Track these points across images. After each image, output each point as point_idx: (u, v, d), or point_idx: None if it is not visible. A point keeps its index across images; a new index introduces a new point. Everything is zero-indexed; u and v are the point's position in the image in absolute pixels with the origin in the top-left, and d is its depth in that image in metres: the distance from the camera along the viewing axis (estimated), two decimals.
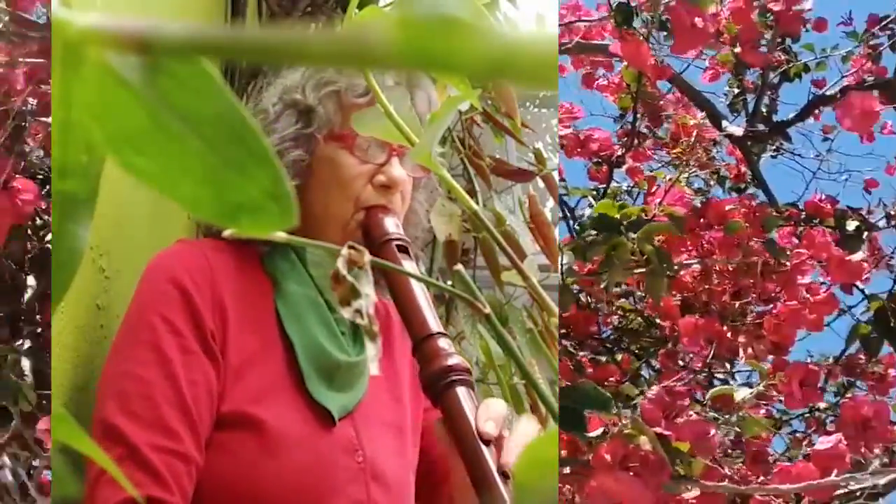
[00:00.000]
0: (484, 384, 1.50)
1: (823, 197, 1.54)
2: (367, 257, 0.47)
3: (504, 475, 0.68)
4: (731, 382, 1.40)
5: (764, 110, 1.65)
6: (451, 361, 0.72)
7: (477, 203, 1.42)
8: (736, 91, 1.72)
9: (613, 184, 1.67)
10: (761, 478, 1.14)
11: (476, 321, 1.40)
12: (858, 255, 1.35)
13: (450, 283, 1.48)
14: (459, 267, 0.52)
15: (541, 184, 1.57)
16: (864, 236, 1.45)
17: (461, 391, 0.71)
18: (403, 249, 0.86)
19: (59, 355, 0.88)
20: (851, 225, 1.49)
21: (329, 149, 0.93)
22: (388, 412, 0.97)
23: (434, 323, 0.74)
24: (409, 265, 0.84)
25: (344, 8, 1.33)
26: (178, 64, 0.22)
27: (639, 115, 1.58)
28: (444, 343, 0.73)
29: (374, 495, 0.89)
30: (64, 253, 0.25)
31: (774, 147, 1.83)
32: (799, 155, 1.88)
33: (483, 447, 0.69)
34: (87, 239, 0.25)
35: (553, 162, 1.59)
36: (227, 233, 0.41)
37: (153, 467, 0.78)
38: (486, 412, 0.70)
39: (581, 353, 1.46)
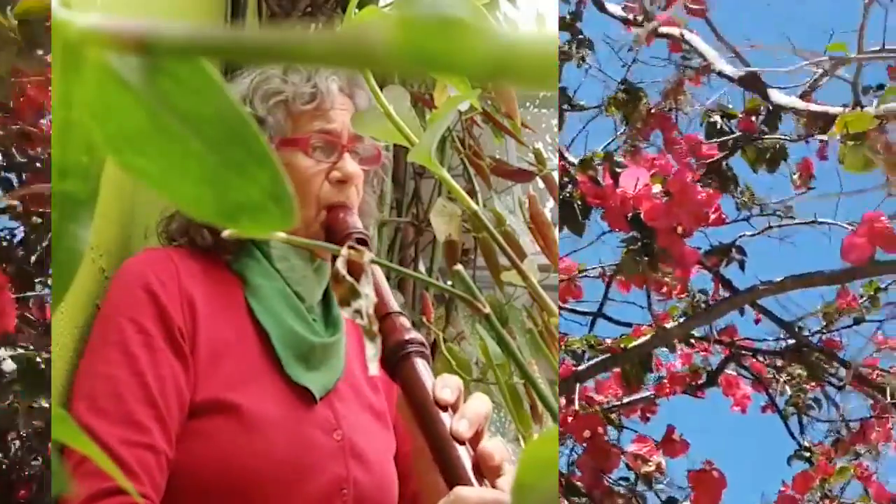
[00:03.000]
0: (484, 384, 1.50)
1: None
2: (368, 257, 0.47)
3: (458, 441, 0.69)
4: None
5: None
6: (408, 336, 0.73)
7: (477, 203, 1.42)
8: None
9: None
10: None
11: (476, 321, 1.40)
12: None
13: (450, 283, 1.48)
14: (459, 267, 0.52)
15: (541, 184, 1.57)
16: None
17: (417, 362, 0.72)
18: (363, 242, 0.90)
19: (59, 355, 0.89)
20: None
21: (284, 154, 0.96)
22: (365, 396, 1.01)
23: (392, 303, 0.75)
24: (368, 256, 0.88)
25: (344, 8, 1.33)
26: (178, 64, 0.22)
27: None
28: (401, 320, 0.74)
29: (354, 472, 0.92)
30: (64, 253, 0.25)
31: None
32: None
33: (440, 413, 0.70)
34: (87, 239, 0.25)
35: (553, 162, 1.59)
36: (226, 233, 0.41)
37: (123, 461, 0.80)
38: (442, 381, 0.72)
39: None
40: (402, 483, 1.01)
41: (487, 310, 0.50)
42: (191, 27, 0.22)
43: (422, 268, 1.67)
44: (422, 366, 0.72)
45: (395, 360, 0.72)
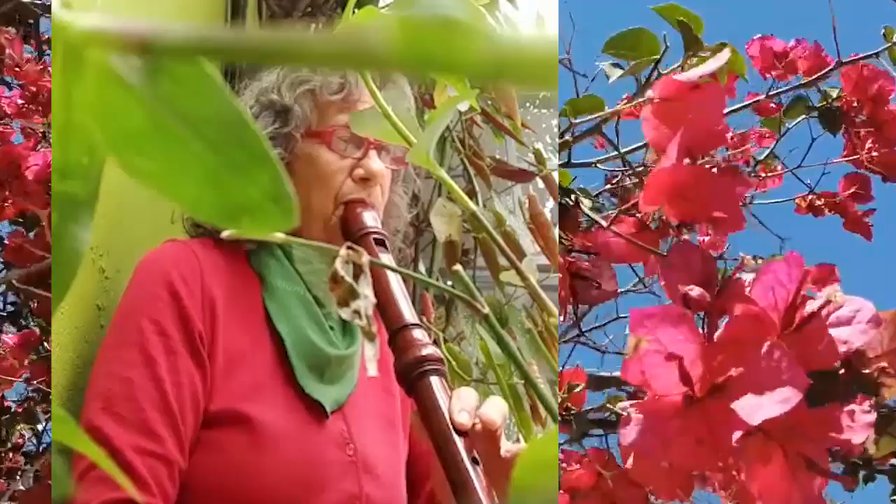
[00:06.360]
0: (484, 384, 1.50)
1: None
2: (366, 257, 0.47)
3: (475, 461, 0.68)
4: None
5: None
6: (425, 352, 0.71)
7: (477, 203, 1.42)
8: None
9: None
10: None
11: (476, 321, 1.40)
12: None
13: (450, 283, 1.48)
14: (458, 267, 0.52)
15: (541, 184, 1.57)
16: None
17: (434, 381, 0.71)
18: (380, 242, 0.86)
19: (58, 356, 0.89)
20: None
21: (308, 146, 0.94)
22: (379, 405, 0.98)
23: (409, 314, 0.73)
24: (385, 258, 0.84)
25: (344, 8, 1.33)
26: (179, 65, 0.22)
27: None
28: (418, 334, 0.72)
29: (366, 488, 0.90)
30: (64, 254, 0.25)
31: None
32: None
33: (456, 436, 0.68)
34: (87, 240, 0.25)
35: (553, 162, 1.59)
36: (226, 233, 0.42)
37: (135, 470, 0.78)
38: (458, 403, 0.70)
39: None
40: (419, 482, 0.99)
41: (487, 310, 0.50)
42: (191, 27, 0.22)
43: (422, 268, 1.66)
44: (438, 384, 0.71)
45: (411, 379, 0.71)
